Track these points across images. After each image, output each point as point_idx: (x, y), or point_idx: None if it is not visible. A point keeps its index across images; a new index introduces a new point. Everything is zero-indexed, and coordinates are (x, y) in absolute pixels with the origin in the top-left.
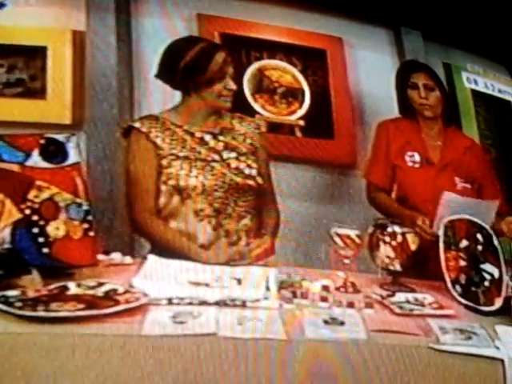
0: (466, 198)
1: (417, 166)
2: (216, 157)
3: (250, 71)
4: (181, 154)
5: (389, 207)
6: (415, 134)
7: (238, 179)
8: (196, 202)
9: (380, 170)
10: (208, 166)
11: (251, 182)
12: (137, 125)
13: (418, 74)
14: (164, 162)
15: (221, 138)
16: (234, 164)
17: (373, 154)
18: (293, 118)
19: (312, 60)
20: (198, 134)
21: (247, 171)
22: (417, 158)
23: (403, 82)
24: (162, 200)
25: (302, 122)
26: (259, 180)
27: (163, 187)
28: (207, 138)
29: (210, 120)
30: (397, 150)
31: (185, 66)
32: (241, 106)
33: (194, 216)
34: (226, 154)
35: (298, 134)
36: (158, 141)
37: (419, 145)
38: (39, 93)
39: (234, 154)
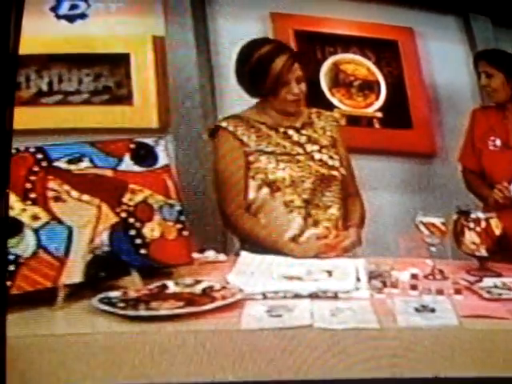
0: None
1: (497, 149)
2: (300, 150)
3: (325, 66)
4: (267, 149)
5: (477, 188)
6: (499, 121)
7: (323, 170)
8: (285, 194)
9: (469, 154)
10: (294, 159)
11: (335, 173)
12: (223, 124)
13: (481, 62)
14: (251, 158)
15: (303, 131)
16: (317, 156)
17: (464, 140)
18: (370, 110)
19: (385, 52)
20: (281, 129)
21: (330, 162)
22: (498, 142)
23: (476, 73)
24: (252, 195)
25: (379, 114)
26: (342, 171)
27: (252, 182)
28: (290, 132)
29: (291, 115)
30: (480, 136)
31: (249, 72)
32: (319, 101)
33: (285, 207)
34: (309, 147)
35: (377, 125)
36: (245, 138)
37: (502, 130)
38: (126, 99)
39: (316, 147)
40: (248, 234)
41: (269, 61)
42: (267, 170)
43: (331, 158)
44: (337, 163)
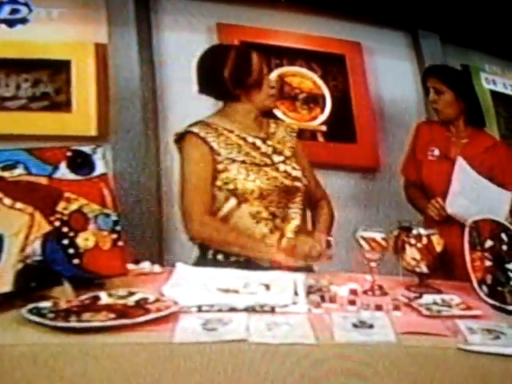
0: (478, 176)
1: (435, 159)
2: (268, 161)
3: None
4: (238, 159)
5: (416, 200)
6: (441, 133)
7: (287, 182)
8: (253, 206)
9: (410, 165)
10: (262, 171)
11: (298, 184)
12: (195, 130)
13: (431, 77)
14: (220, 167)
15: (269, 142)
16: (282, 167)
17: (407, 152)
18: (315, 123)
19: (331, 65)
20: (249, 139)
21: (294, 173)
22: (436, 152)
23: (423, 87)
24: (217, 204)
25: (323, 127)
26: (304, 181)
27: (218, 192)
28: (258, 142)
29: (256, 125)
30: (422, 147)
31: (230, 74)
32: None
33: (251, 218)
34: (275, 158)
35: (321, 139)
36: (215, 145)
37: (442, 142)
38: (64, 106)
39: (281, 158)
40: (215, 240)
41: (249, 56)
42: (237, 181)
43: (294, 168)
44: (299, 174)
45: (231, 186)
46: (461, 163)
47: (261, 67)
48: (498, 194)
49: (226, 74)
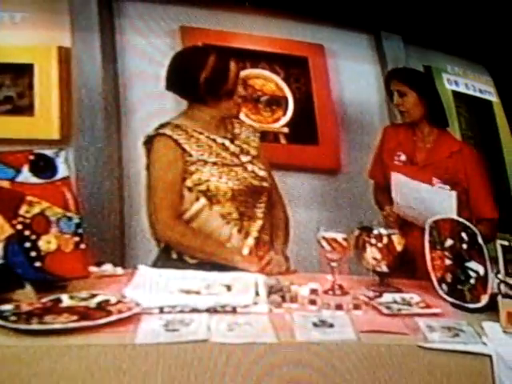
0: (415, 182)
1: (401, 164)
2: (237, 161)
3: None
4: (209, 160)
5: (380, 204)
6: (407, 137)
7: (255, 182)
8: (224, 207)
9: (378, 169)
10: (232, 171)
11: (265, 184)
12: (168, 132)
13: (393, 80)
14: (192, 168)
15: (236, 142)
16: (250, 167)
17: (374, 155)
18: (277, 125)
19: (294, 68)
20: (219, 140)
21: (261, 173)
22: (403, 157)
23: (387, 92)
24: (187, 205)
25: (286, 129)
26: (270, 181)
27: (187, 192)
28: (227, 143)
29: (221, 126)
30: (388, 151)
31: (206, 79)
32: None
33: (221, 219)
34: (243, 158)
35: (283, 140)
36: (187, 147)
37: (409, 146)
38: (27, 109)
39: (248, 158)
40: (181, 244)
41: (227, 64)
42: (210, 182)
43: (260, 169)
44: (265, 174)
45: (203, 188)
46: (395, 177)
47: (236, 77)
48: (443, 195)
49: (202, 78)
